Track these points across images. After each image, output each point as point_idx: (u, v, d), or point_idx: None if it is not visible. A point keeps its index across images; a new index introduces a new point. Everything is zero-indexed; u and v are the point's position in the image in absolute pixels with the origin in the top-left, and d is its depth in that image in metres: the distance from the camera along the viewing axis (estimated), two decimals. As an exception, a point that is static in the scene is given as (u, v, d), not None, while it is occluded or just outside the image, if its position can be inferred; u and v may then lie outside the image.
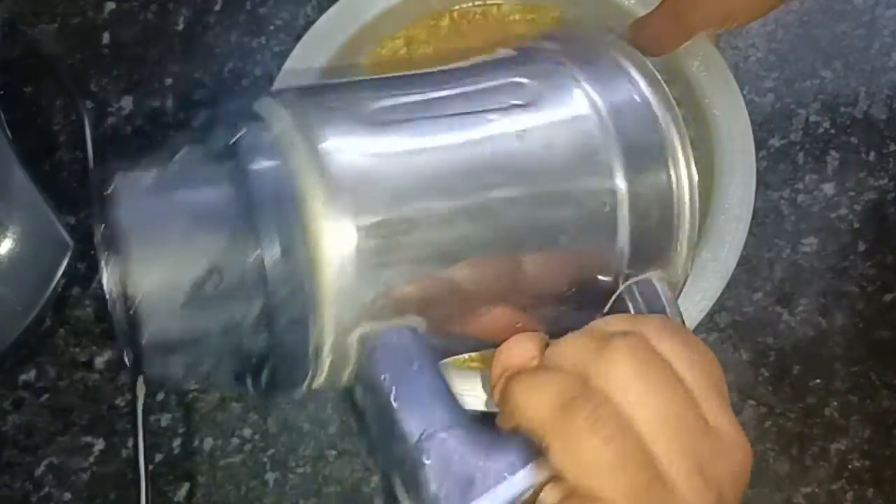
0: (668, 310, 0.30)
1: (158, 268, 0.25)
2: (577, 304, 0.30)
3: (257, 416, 0.44)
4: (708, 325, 0.45)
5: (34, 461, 0.44)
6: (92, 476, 0.44)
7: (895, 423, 0.44)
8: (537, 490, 0.26)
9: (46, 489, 0.44)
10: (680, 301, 0.37)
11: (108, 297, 0.25)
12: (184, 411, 0.44)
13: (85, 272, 0.46)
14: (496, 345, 0.29)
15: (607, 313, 0.30)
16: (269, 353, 0.27)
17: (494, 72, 0.31)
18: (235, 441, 0.44)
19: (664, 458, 0.25)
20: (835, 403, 0.44)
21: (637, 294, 0.30)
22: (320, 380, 0.28)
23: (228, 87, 0.47)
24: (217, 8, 0.48)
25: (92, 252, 0.46)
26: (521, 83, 0.30)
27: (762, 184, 0.46)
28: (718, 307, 0.45)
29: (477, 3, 0.44)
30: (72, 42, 0.48)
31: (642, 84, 0.30)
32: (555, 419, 0.25)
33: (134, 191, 0.27)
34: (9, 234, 0.42)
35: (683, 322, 0.31)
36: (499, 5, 0.45)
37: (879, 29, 0.48)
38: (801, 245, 0.46)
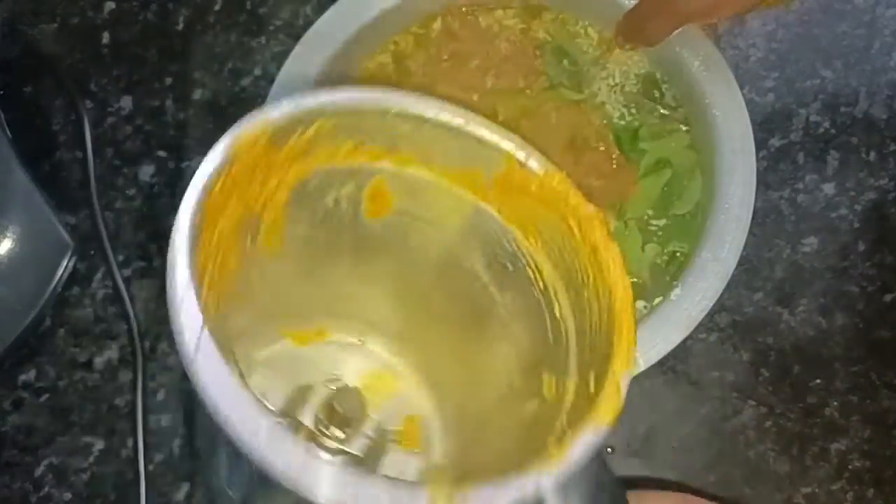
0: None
1: None
2: None
3: (257, 416, 0.44)
4: (708, 325, 0.45)
5: (34, 461, 0.44)
6: (92, 476, 0.44)
7: (895, 423, 0.44)
8: None
9: (46, 489, 0.44)
10: (681, 301, 0.37)
11: None
12: (184, 412, 0.44)
13: (85, 272, 0.46)
14: None
15: None
16: None
17: None
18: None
19: None
20: (835, 403, 0.44)
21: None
22: None
23: (228, 87, 0.47)
24: (217, 8, 0.48)
25: (92, 252, 0.46)
26: None
27: (762, 184, 0.46)
28: (718, 307, 0.45)
29: (471, 5, 0.44)
30: (71, 42, 0.48)
31: None
32: None
33: None
34: (8, 234, 0.42)
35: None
36: (492, 8, 0.44)
37: (880, 29, 0.48)
38: (802, 245, 0.46)
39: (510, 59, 0.44)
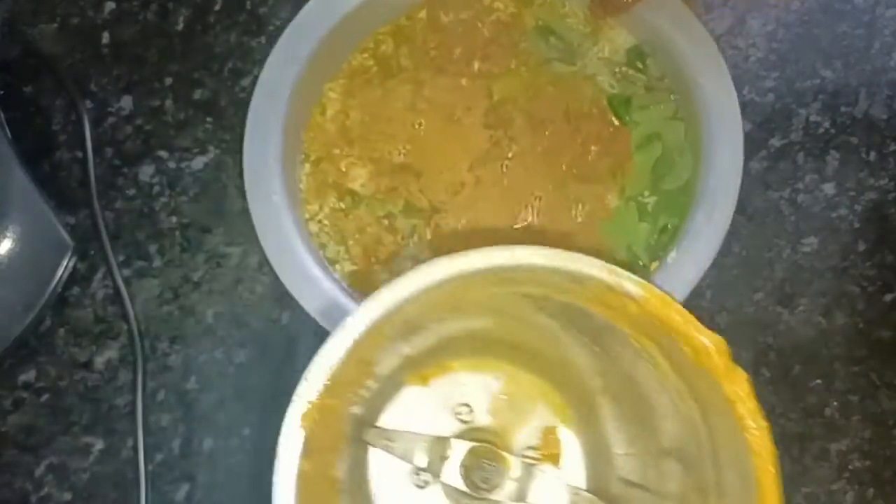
0: None
1: None
2: None
3: (257, 416, 0.44)
4: (709, 324, 0.44)
5: (34, 461, 0.44)
6: (92, 476, 0.44)
7: (895, 424, 0.44)
8: None
9: (46, 489, 0.44)
10: (677, 265, 0.39)
11: None
12: (184, 411, 0.44)
13: (85, 272, 0.46)
14: None
15: None
16: None
17: None
18: (235, 441, 0.44)
19: None
20: (835, 403, 0.44)
21: None
22: None
23: (228, 88, 0.47)
24: (217, 8, 0.48)
25: (92, 252, 0.46)
26: None
27: (762, 184, 0.46)
28: (718, 307, 0.45)
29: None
30: (71, 42, 0.48)
31: None
32: None
33: None
34: (8, 235, 0.42)
35: None
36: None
37: (880, 29, 0.48)
38: (802, 245, 0.46)
39: (494, 42, 0.45)
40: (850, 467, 0.44)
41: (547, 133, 0.44)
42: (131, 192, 0.47)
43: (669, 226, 0.43)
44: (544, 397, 0.37)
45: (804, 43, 0.48)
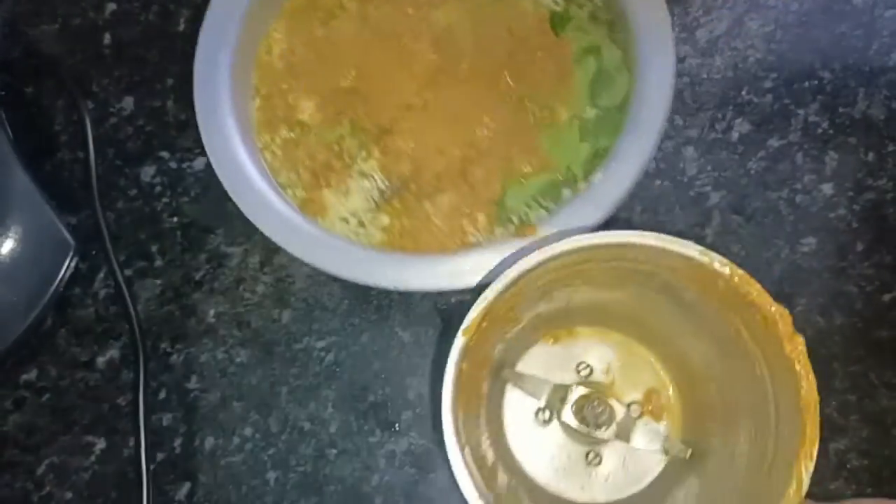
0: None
1: None
2: None
3: (258, 415, 0.44)
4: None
5: (35, 460, 0.44)
6: (93, 475, 0.44)
7: (894, 423, 0.44)
8: None
9: (47, 488, 0.44)
10: (602, 185, 0.42)
11: None
12: (185, 411, 0.45)
13: (86, 272, 0.46)
14: None
15: None
16: None
17: None
18: (236, 440, 0.44)
19: None
20: (834, 403, 0.44)
21: None
22: None
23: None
24: (218, 8, 0.48)
25: (93, 252, 0.46)
26: None
27: (761, 184, 0.46)
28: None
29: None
30: (73, 42, 0.49)
31: None
32: None
33: None
34: (10, 235, 0.42)
35: None
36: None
37: (878, 29, 0.49)
38: (800, 245, 0.46)
39: None
40: (848, 466, 0.44)
41: (493, 52, 0.45)
42: (133, 192, 0.47)
43: (603, 148, 0.44)
44: (651, 366, 0.44)
45: (803, 44, 0.48)
